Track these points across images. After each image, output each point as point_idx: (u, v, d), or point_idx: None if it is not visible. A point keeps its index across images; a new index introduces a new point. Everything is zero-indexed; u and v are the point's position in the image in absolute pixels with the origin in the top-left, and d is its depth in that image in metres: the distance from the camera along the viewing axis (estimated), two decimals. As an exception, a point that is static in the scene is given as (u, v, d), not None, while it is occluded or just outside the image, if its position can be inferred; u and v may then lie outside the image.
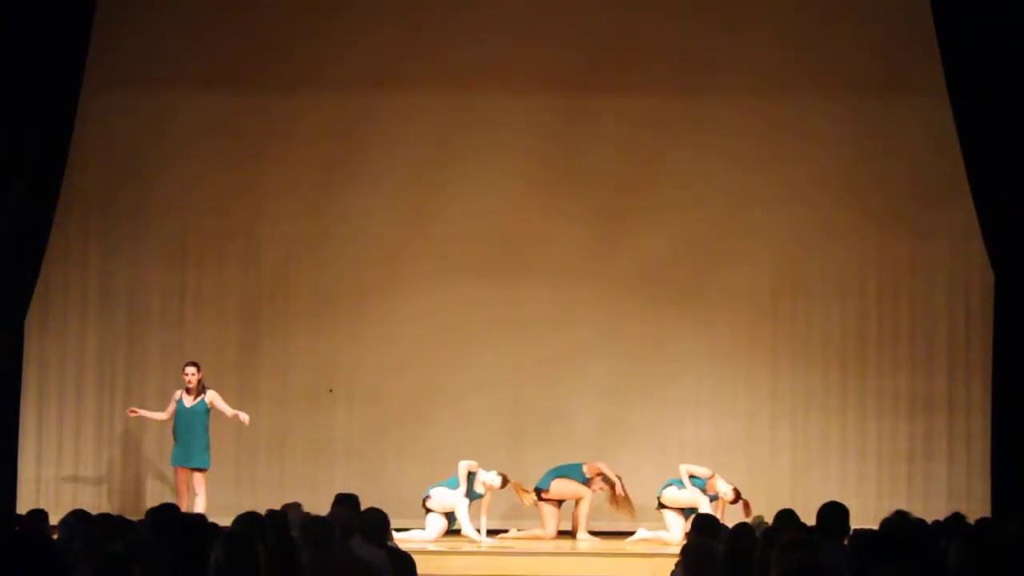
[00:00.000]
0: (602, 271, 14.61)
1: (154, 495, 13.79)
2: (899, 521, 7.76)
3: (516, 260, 14.59)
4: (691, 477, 13.27)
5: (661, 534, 13.31)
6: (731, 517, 12.08)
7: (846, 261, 14.62)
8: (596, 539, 13.48)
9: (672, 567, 7.80)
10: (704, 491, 13.20)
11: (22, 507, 12.74)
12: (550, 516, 13.60)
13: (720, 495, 13.18)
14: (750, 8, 14.51)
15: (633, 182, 14.62)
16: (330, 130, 14.63)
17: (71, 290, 14.55)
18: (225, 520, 7.69)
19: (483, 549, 12.75)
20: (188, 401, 13.19)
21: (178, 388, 13.32)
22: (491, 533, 13.27)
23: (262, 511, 8.44)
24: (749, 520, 10.59)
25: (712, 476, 13.27)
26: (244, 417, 13.15)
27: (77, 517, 7.53)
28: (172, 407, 13.18)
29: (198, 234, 14.66)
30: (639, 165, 14.62)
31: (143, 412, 13.35)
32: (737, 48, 14.45)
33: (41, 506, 10.02)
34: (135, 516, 8.04)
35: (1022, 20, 12.91)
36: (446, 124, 14.61)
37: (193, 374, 13.15)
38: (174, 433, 13.15)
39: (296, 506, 9.64)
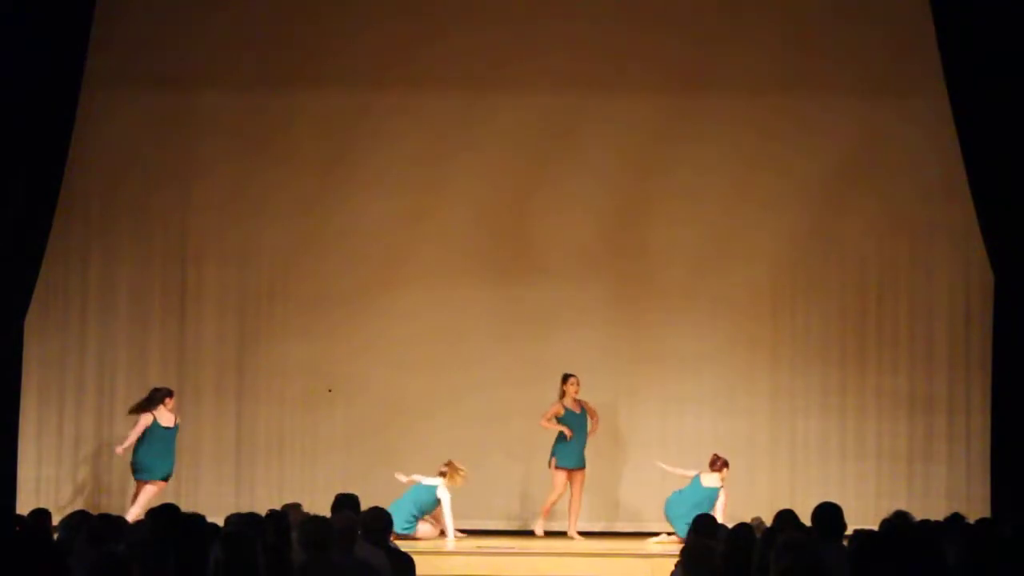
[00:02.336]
0: (602, 270, 14.60)
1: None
2: (899, 521, 7.77)
3: (515, 259, 14.59)
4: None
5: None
6: (730, 518, 12.09)
7: (846, 261, 14.62)
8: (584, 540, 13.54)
9: (672, 567, 7.80)
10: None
11: (22, 507, 12.73)
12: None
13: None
14: (751, 8, 14.51)
15: (633, 181, 14.62)
16: (329, 128, 14.64)
17: (71, 290, 14.56)
18: (225, 520, 7.71)
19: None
20: (170, 421, 13.44)
21: (167, 391, 13.56)
22: (488, 534, 13.28)
23: (262, 511, 8.44)
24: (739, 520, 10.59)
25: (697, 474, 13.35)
26: None
27: (78, 517, 7.54)
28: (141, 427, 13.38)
29: (197, 233, 14.67)
30: (639, 164, 14.62)
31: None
32: (738, 47, 14.46)
33: (41, 506, 10.01)
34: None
35: (1022, 20, 12.91)
36: (445, 122, 14.61)
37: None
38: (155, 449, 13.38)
39: (296, 506, 9.66)
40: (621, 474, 14.50)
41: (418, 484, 13.47)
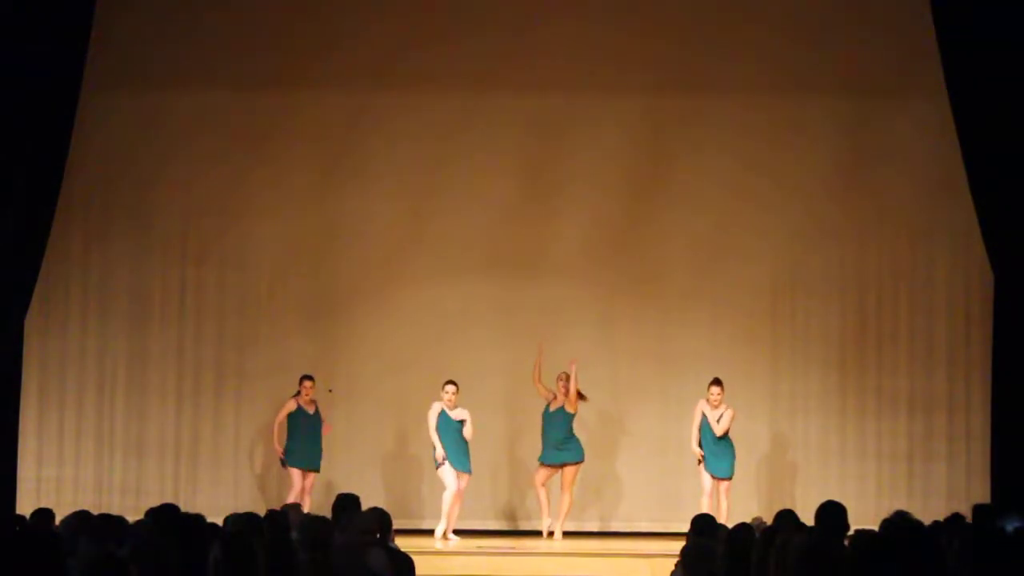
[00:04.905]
0: (602, 270, 14.61)
1: (154, 495, 13.78)
2: (899, 521, 7.76)
3: (516, 259, 14.59)
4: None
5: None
6: (730, 518, 12.10)
7: (846, 261, 14.62)
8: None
9: (672, 567, 7.80)
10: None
11: (22, 507, 12.73)
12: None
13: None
14: (751, 7, 14.51)
15: (633, 180, 14.63)
16: (329, 128, 14.64)
17: (71, 290, 14.56)
18: (225, 520, 7.70)
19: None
20: (310, 409, 13.68)
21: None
22: (489, 534, 13.27)
23: (261, 511, 8.44)
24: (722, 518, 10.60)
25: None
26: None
27: (78, 517, 7.53)
28: (284, 414, 13.72)
29: (197, 233, 14.67)
30: (639, 164, 14.62)
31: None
32: (737, 48, 14.46)
33: (41, 506, 10.01)
34: (135, 516, 8.03)
35: (1022, 20, 12.92)
36: (446, 122, 14.62)
37: (311, 387, 13.68)
38: (292, 436, 13.66)
39: (296, 507, 9.66)
40: (620, 474, 14.49)
41: (453, 424, 13.41)
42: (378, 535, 7.42)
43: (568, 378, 13.63)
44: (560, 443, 13.65)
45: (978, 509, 9.09)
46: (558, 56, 14.47)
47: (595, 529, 14.05)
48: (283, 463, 13.67)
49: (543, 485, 13.72)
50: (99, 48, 13.75)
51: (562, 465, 13.67)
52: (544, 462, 13.72)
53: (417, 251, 14.62)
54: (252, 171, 14.63)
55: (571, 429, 13.70)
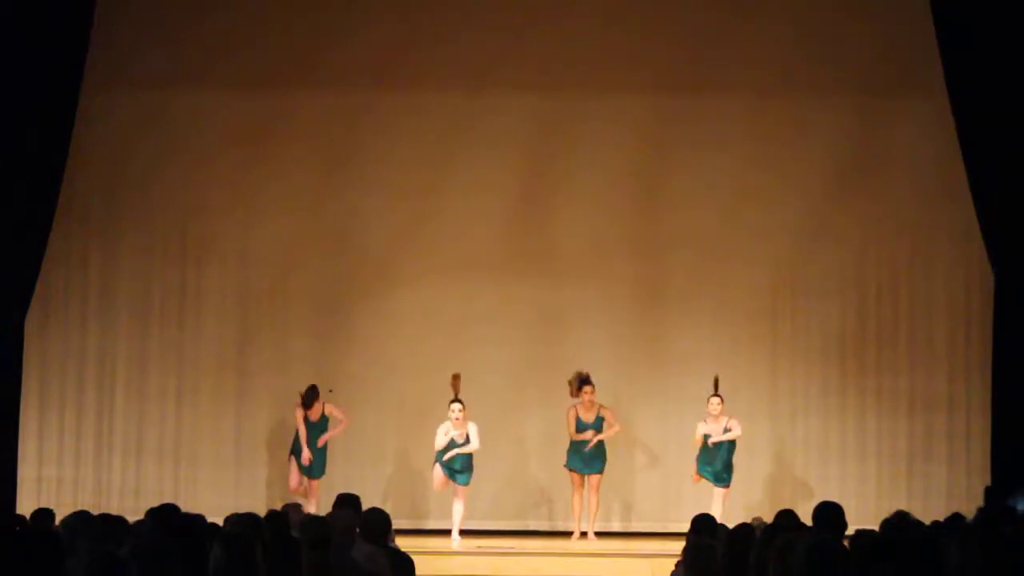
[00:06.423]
0: (602, 270, 14.61)
1: (154, 495, 13.77)
2: (899, 521, 7.76)
3: (516, 259, 14.59)
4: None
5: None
6: (731, 518, 12.10)
7: (846, 261, 14.62)
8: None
9: (672, 567, 7.81)
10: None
11: (22, 507, 12.73)
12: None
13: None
14: (751, 8, 14.51)
15: (633, 181, 14.63)
16: (330, 128, 14.64)
17: (71, 290, 14.56)
18: (226, 521, 7.69)
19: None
20: (313, 417, 13.68)
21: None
22: (494, 534, 13.26)
23: (262, 511, 8.44)
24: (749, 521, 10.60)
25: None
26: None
27: (79, 517, 7.53)
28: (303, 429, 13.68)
29: (197, 233, 14.67)
30: (639, 164, 14.62)
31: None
32: (738, 48, 14.46)
33: (41, 506, 10.01)
34: (135, 516, 8.03)
35: (1022, 20, 12.92)
36: (446, 122, 14.62)
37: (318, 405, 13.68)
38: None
39: (296, 506, 9.64)
40: (620, 475, 14.48)
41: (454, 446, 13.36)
42: (357, 530, 7.40)
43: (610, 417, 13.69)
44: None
45: (990, 490, 9.12)
46: (559, 56, 14.46)
47: (594, 529, 14.02)
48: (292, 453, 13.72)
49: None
50: (99, 48, 13.75)
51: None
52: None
53: (418, 251, 14.61)
54: (252, 171, 14.63)
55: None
